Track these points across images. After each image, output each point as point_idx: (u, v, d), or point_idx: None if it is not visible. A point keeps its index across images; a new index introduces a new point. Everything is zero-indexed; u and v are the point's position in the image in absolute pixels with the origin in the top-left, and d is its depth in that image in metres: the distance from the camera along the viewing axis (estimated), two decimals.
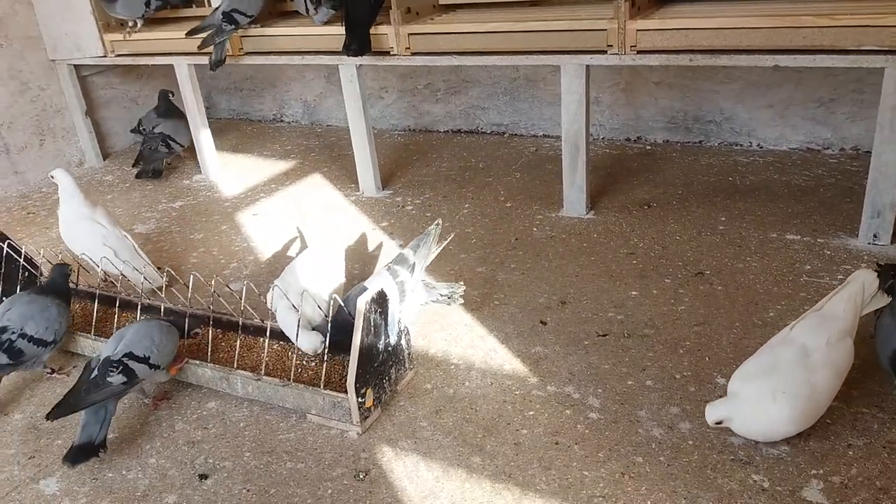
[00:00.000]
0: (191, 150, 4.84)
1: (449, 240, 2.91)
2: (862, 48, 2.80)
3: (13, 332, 2.52)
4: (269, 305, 2.65)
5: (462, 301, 2.82)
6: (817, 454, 2.03)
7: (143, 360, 2.39)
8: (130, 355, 2.37)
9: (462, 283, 2.85)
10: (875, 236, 3.04)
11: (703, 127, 4.40)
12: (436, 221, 2.84)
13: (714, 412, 2.03)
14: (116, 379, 2.32)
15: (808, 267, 2.95)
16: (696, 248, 3.20)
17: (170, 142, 4.77)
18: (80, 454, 2.23)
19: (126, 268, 3.00)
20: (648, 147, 4.49)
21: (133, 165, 4.96)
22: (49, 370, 2.70)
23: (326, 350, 2.43)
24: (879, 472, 1.95)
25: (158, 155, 4.78)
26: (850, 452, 2.03)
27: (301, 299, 2.47)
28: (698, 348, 2.54)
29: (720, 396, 2.27)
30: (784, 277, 2.90)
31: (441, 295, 2.79)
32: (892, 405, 2.17)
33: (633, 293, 2.92)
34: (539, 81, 4.76)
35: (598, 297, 2.92)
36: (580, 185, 3.57)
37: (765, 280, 2.90)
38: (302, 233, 3.74)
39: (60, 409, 2.29)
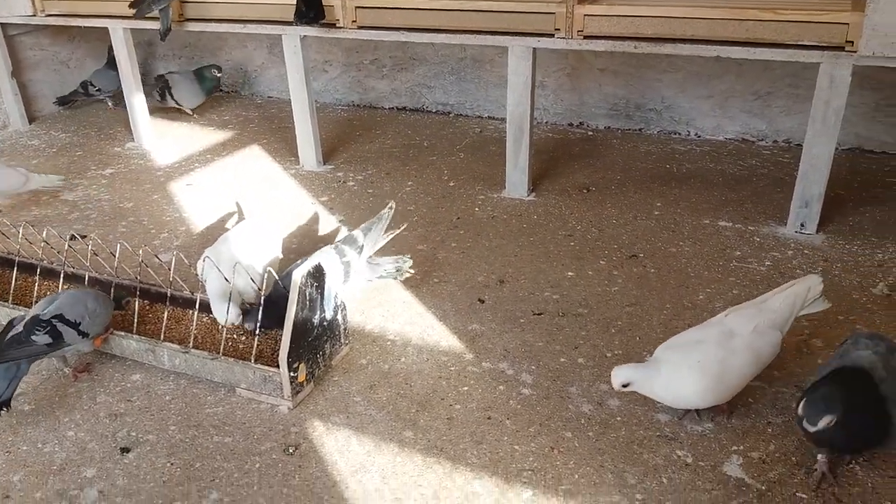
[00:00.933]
0: (123, 116, 4.67)
1: (402, 229, 2.89)
2: (800, 43, 2.88)
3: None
4: (199, 276, 2.57)
5: (411, 272, 2.80)
6: (739, 431, 2.09)
7: (73, 326, 2.29)
8: (61, 318, 2.27)
9: (409, 256, 2.82)
10: (802, 225, 3.15)
11: (644, 115, 4.47)
12: (388, 205, 2.81)
13: (620, 375, 2.04)
14: (41, 339, 2.22)
15: (738, 252, 3.04)
16: (632, 232, 3.26)
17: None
18: None
19: None
20: (590, 133, 4.53)
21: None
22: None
23: (258, 324, 2.37)
24: (795, 448, 2.02)
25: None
26: (770, 430, 2.10)
27: (233, 271, 2.41)
28: (629, 328, 2.58)
29: None
30: (714, 262, 2.98)
31: (387, 270, 2.77)
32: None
33: (570, 274, 2.95)
34: (486, 63, 4.74)
35: (535, 276, 2.94)
36: (523, 168, 3.58)
37: (696, 264, 2.97)
38: (239, 205, 3.65)
39: None
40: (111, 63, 4.93)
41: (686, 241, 3.15)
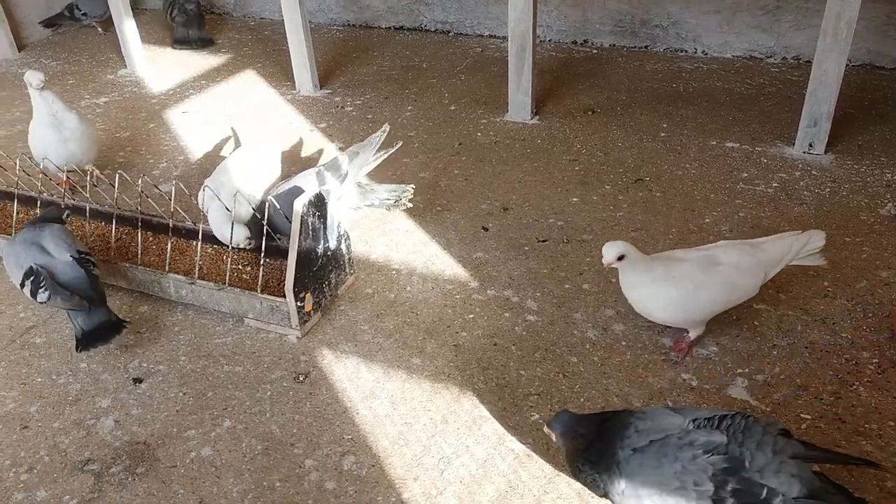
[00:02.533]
0: (114, 42, 4.53)
1: (396, 148, 2.81)
2: None
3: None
4: (200, 207, 2.55)
5: (409, 205, 2.74)
6: (743, 354, 2.12)
7: (89, 255, 2.30)
8: (81, 252, 2.26)
9: (411, 185, 2.77)
10: (810, 145, 3.10)
11: (650, 32, 4.33)
12: (382, 128, 2.74)
13: (617, 246, 2.01)
14: (97, 271, 2.27)
15: (745, 174, 3.00)
16: (637, 155, 3.21)
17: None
18: (105, 332, 2.17)
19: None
20: (595, 51, 4.40)
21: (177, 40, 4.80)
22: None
23: (263, 254, 2.37)
24: (800, 371, 2.05)
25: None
26: (774, 352, 2.12)
27: (234, 201, 2.38)
28: None
29: None
30: (721, 185, 2.95)
31: (381, 199, 2.72)
32: (815, 308, 2.27)
33: (574, 199, 2.92)
34: None
35: (539, 203, 2.91)
36: (526, 89, 3.49)
37: (702, 187, 2.94)
38: (236, 132, 3.59)
39: (87, 333, 2.17)
40: None
41: (692, 164, 3.11)
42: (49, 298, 2.15)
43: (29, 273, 2.18)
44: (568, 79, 4.02)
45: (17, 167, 2.81)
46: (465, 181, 3.10)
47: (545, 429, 1.70)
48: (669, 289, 2.00)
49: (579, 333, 2.23)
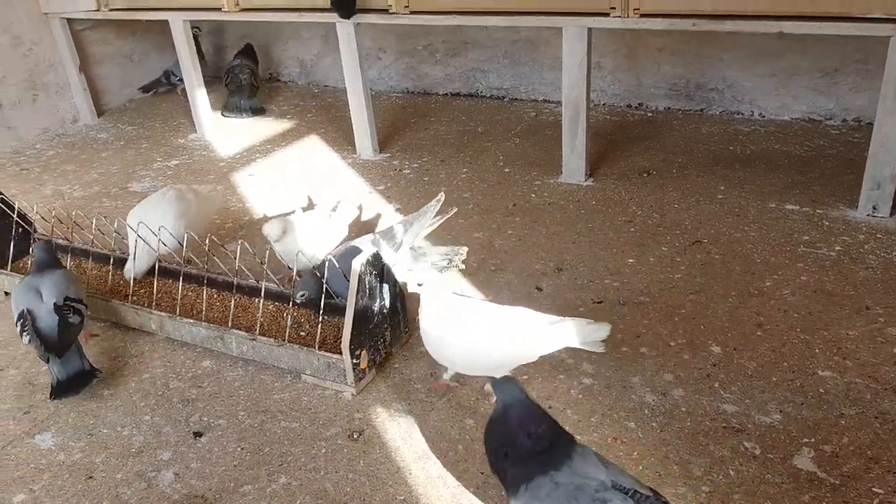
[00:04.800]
0: (185, 108, 4.80)
1: (450, 214, 2.86)
2: (869, 16, 2.76)
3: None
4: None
5: (462, 267, 2.78)
6: (809, 423, 2.04)
7: (80, 302, 2.45)
8: (69, 299, 2.41)
9: (465, 247, 2.81)
10: (874, 208, 3.03)
11: (706, 95, 4.35)
12: (437, 196, 2.81)
13: None
14: (75, 319, 2.39)
15: (806, 237, 2.94)
16: (695, 217, 3.19)
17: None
18: (75, 382, 2.32)
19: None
20: (650, 114, 4.44)
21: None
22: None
23: (321, 312, 2.42)
24: (871, 442, 1.96)
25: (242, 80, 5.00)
26: (843, 422, 2.04)
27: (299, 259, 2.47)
28: (693, 316, 2.54)
29: (714, 365, 2.29)
30: (781, 247, 2.89)
31: (433, 262, 2.75)
32: (885, 376, 2.18)
33: (630, 261, 2.91)
34: (540, 45, 4.69)
35: (594, 264, 2.91)
36: (580, 152, 3.54)
37: (762, 249, 2.89)
38: (310, 198, 3.69)
39: (61, 382, 2.32)
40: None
41: (751, 226, 3.07)
42: (29, 342, 2.32)
43: (20, 316, 2.36)
44: (622, 141, 4.05)
45: (94, 226, 2.97)
46: (518, 241, 3.12)
47: (487, 385, 1.70)
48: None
49: (637, 398, 2.19)
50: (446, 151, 4.12)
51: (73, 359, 2.36)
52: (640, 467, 1.95)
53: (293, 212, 2.94)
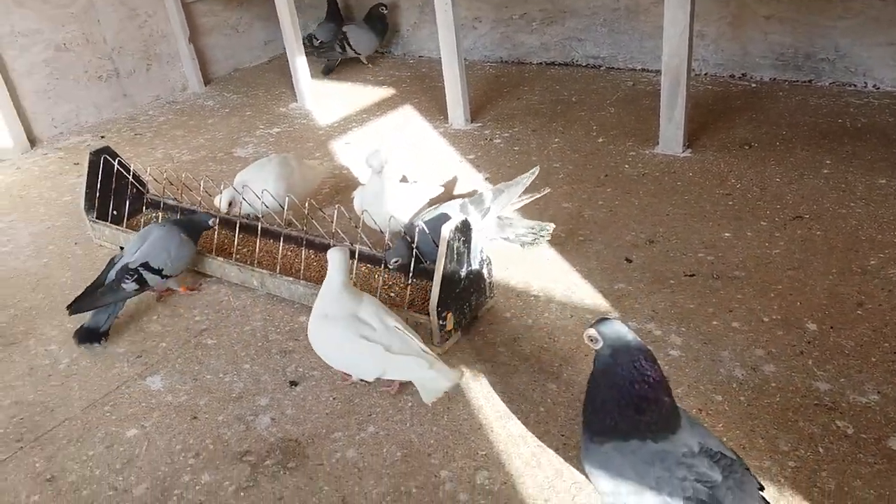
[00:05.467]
0: (287, 78, 4.97)
1: (543, 194, 2.86)
2: None
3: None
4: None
5: (546, 242, 2.79)
6: None
7: (157, 272, 2.66)
8: (146, 266, 2.64)
9: (552, 224, 2.81)
10: None
11: (815, 65, 4.13)
12: (532, 170, 2.81)
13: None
14: (130, 286, 2.61)
15: None
16: (797, 192, 3.06)
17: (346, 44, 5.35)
18: (85, 336, 2.56)
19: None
20: (754, 85, 4.26)
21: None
22: (159, 295, 2.86)
23: (411, 275, 2.49)
24: None
25: (333, 55, 5.38)
26: None
27: (388, 222, 2.54)
28: (790, 292, 2.46)
29: (809, 342, 2.22)
30: (890, 225, 2.74)
31: (518, 234, 2.77)
32: None
33: (726, 234, 2.83)
34: (640, 12, 4.56)
35: (688, 237, 2.85)
36: (678, 122, 3.45)
37: (868, 227, 2.75)
38: (405, 177, 3.77)
39: (78, 306, 2.59)
40: (330, 16, 5.53)
41: (858, 202, 2.92)
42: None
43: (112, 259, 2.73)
44: (723, 112, 3.91)
45: (202, 188, 3.15)
46: (609, 213, 3.10)
47: (592, 330, 1.59)
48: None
49: (725, 372, 2.16)
50: (538, 121, 4.11)
51: (101, 317, 2.59)
52: (725, 439, 1.92)
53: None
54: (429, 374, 2.03)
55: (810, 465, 1.81)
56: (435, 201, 3.01)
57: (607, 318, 1.62)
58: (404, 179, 3.66)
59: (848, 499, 1.71)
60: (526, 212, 3.08)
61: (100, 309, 2.60)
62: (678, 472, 1.48)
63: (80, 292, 2.63)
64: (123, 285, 2.60)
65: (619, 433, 1.55)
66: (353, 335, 2.09)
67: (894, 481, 1.74)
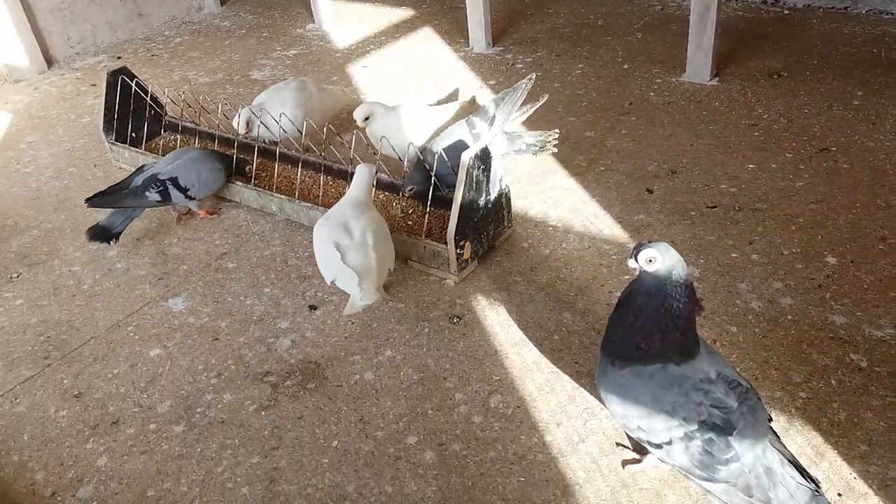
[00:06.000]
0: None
1: (543, 101, 2.81)
2: None
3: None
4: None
5: (555, 150, 2.78)
6: None
7: (182, 190, 2.68)
8: (174, 181, 2.66)
9: (556, 130, 2.79)
10: None
11: None
12: (528, 76, 2.75)
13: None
14: (153, 196, 2.65)
15: None
16: (825, 123, 2.99)
17: None
18: (97, 234, 2.62)
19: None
20: (786, 12, 4.10)
21: None
22: (179, 216, 2.89)
23: (429, 203, 2.49)
24: None
25: None
26: None
27: (408, 150, 2.52)
28: (812, 226, 2.43)
29: (828, 276, 2.21)
30: None
31: (528, 144, 2.76)
32: None
33: (750, 166, 2.78)
34: None
35: (711, 168, 2.81)
36: (706, 49, 3.34)
37: None
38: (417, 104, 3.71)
39: (99, 200, 2.65)
40: None
41: (887, 135, 2.85)
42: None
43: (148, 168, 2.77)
44: (753, 40, 3.78)
45: (220, 111, 3.13)
46: (632, 142, 3.04)
47: (652, 250, 1.52)
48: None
49: (742, 304, 2.16)
50: (562, 46, 4.00)
51: (117, 218, 2.65)
52: (738, 369, 1.94)
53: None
54: (354, 290, 2.08)
55: (822, 397, 1.83)
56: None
57: (662, 244, 1.56)
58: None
59: (857, 429, 1.74)
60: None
61: (116, 210, 2.65)
62: (695, 396, 1.50)
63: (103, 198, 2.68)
64: (147, 193, 2.63)
65: (643, 358, 1.56)
66: (327, 238, 2.17)
67: None
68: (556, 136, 2.81)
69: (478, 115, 2.67)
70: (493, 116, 2.65)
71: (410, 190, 2.56)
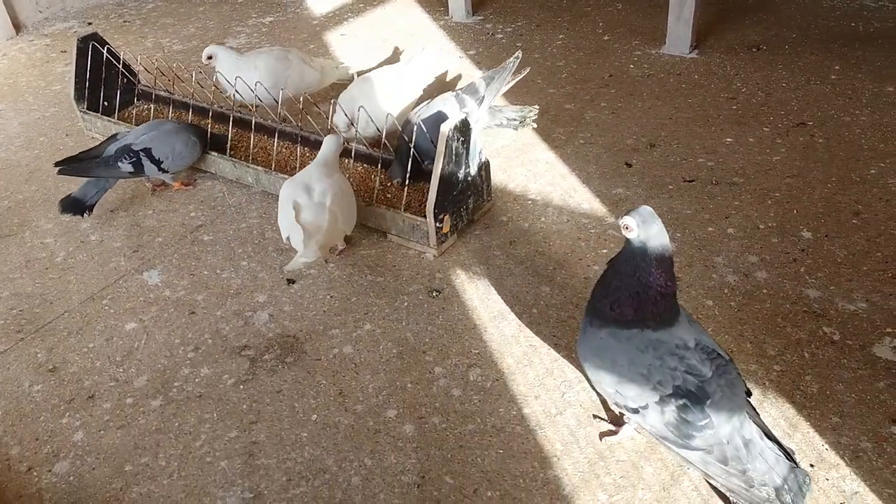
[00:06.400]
0: None
1: (524, 74, 2.79)
2: None
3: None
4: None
5: (534, 125, 2.81)
6: (895, 313, 1.99)
7: (156, 162, 2.65)
8: (148, 152, 2.62)
9: (536, 105, 2.81)
10: None
11: None
12: (515, 55, 2.73)
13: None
14: (125, 167, 2.61)
15: None
16: (802, 98, 3.00)
17: None
18: (70, 205, 2.57)
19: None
20: None
21: None
22: (153, 187, 2.84)
23: (408, 175, 2.47)
24: None
25: None
26: None
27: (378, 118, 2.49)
28: (787, 200, 2.46)
29: (803, 250, 2.24)
30: (893, 134, 2.71)
31: (508, 119, 2.77)
32: None
33: (728, 140, 2.80)
34: None
35: (689, 141, 2.82)
36: (687, 20, 3.33)
37: (871, 136, 2.72)
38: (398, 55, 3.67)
39: (70, 169, 2.61)
40: None
41: (863, 110, 2.87)
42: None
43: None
44: (734, 12, 3.77)
45: (194, 80, 3.06)
46: (611, 115, 3.04)
47: (629, 218, 1.55)
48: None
49: (718, 277, 2.18)
50: (542, 15, 3.96)
51: (90, 189, 2.60)
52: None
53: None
54: (299, 247, 2.11)
55: (795, 370, 1.87)
56: (429, 93, 2.94)
57: (647, 210, 1.57)
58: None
59: (829, 401, 1.78)
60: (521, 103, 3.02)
61: (90, 182, 2.61)
62: (670, 361, 1.52)
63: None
64: (120, 164, 2.59)
65: (618, 321, 1.58)
66: (287, 197, 2.22)
67: (875, 386, 1.80)
68: (536, 111, 2.83)
69: (467, 93, 2.65)
70: (483, 96, 2.64)
71: (397, 181, 2.55)
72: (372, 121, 2.69)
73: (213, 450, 1.81)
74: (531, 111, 2.81)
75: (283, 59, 3.04)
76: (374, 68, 3.59)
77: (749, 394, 1.59)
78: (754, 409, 1.59)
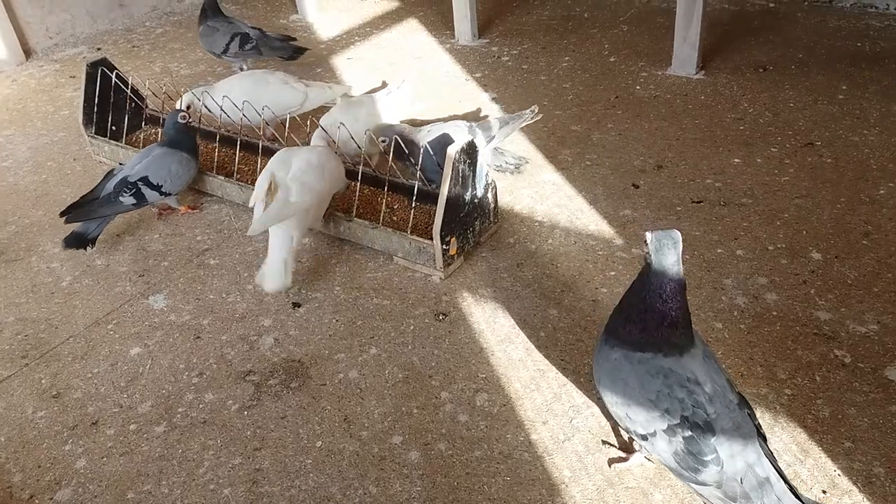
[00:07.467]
0: None
1: (533, 119, 2.83)
2: None
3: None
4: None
5: (522, 173, 2.85)
6: None
7: (156, 188, 2.64)
8: (146, 181, 2.61)
9: (529, 158, 2.88)
10: None
11: None
12: (531, 107, 2.79)
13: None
14: (127, 200, 2.60)
15: None
16: (810, 118, 2.99)
17: None
18: (73, 241, 2.57)
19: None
20: (772, 5, 4.10)
21: None
22: (160, 212, 2.85)
23: (414, 198, 2.46)
24: None
25: None
26: None
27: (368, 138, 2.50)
28: (797, 221, 2.43)
29: (812, 271, 2.21)
30: None
31: (507, 163, 2.83)
32: None
33: (736, 160, 2.78)
34: None
35: (697, 162, 2.80)
36: (693, 42, 3.33)
37: (880, 155, 2.70)
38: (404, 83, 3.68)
39: (76, 215, 2.59)
40: None
41: (872, 130, 2.85)
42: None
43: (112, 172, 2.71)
44: (739, 33, 3.78)
45: (201, 104, 3.08)
46: (618, 136, 3.03)
47: (649, 234, 1.53)
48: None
49: (727, 300, 2.16)
50: (548, 38, 3.98)
51: (91, 224, 2.60)
52: (724, 366, 1.94)
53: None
54: (257, 211, 2.27)
55: (806, 393, 1.83)
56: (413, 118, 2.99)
57: (676, 234, 1.55)
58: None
59: (841, 426, 1.74)
60: (535, 129, 3.02)
61: (85, 221, 2.60)
62: (678, 392, 1.49)
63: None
64: (121, 198, 2.58)
65: (632, 342, 1.56)
66: (267, 170, 2.34)
67: (888, 410, 1.77)
68: (528, 162, 2.88)
69: (481, 128, 2.69)
70: (494, 136, 2.70)
71: (383, 141, 2.64)
72: (352, 137, 2.69)
73: (217, 477, 1.79)
74: (526, 162, 2.88)
75: (261, 81, 3.10)
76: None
77: (764, 438, 1.53)
78: (769, 451, 1.51)
